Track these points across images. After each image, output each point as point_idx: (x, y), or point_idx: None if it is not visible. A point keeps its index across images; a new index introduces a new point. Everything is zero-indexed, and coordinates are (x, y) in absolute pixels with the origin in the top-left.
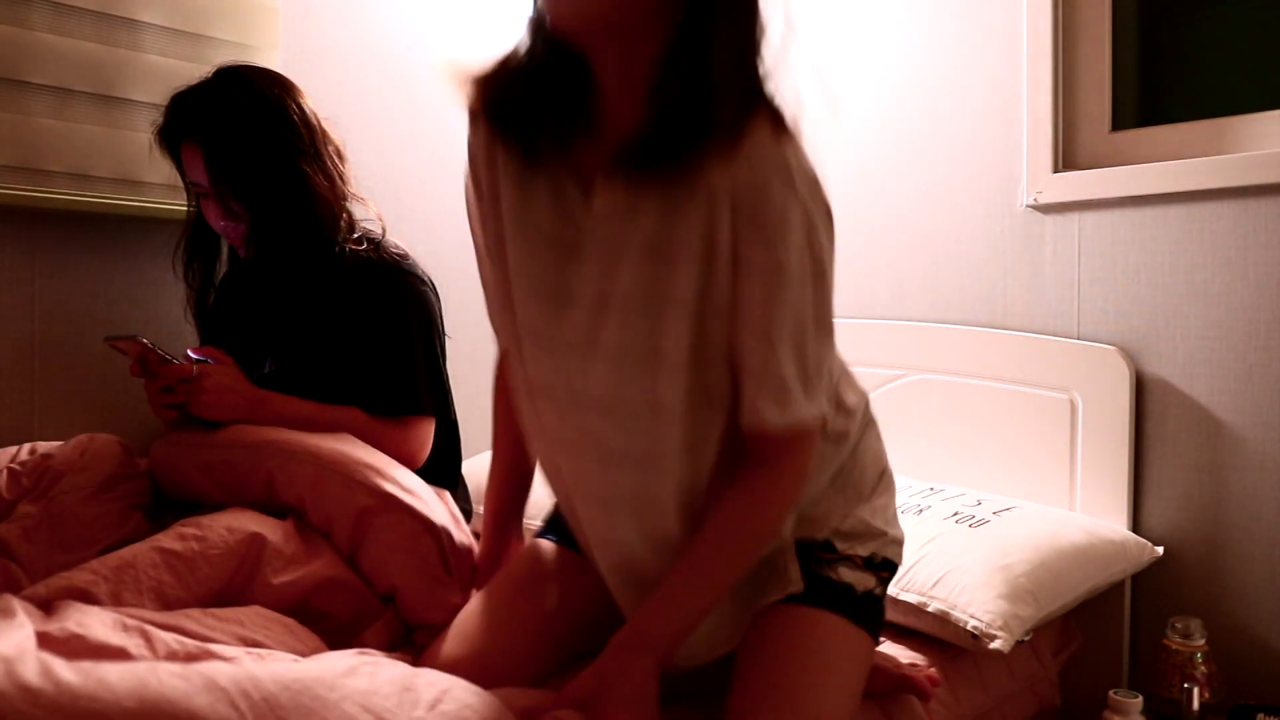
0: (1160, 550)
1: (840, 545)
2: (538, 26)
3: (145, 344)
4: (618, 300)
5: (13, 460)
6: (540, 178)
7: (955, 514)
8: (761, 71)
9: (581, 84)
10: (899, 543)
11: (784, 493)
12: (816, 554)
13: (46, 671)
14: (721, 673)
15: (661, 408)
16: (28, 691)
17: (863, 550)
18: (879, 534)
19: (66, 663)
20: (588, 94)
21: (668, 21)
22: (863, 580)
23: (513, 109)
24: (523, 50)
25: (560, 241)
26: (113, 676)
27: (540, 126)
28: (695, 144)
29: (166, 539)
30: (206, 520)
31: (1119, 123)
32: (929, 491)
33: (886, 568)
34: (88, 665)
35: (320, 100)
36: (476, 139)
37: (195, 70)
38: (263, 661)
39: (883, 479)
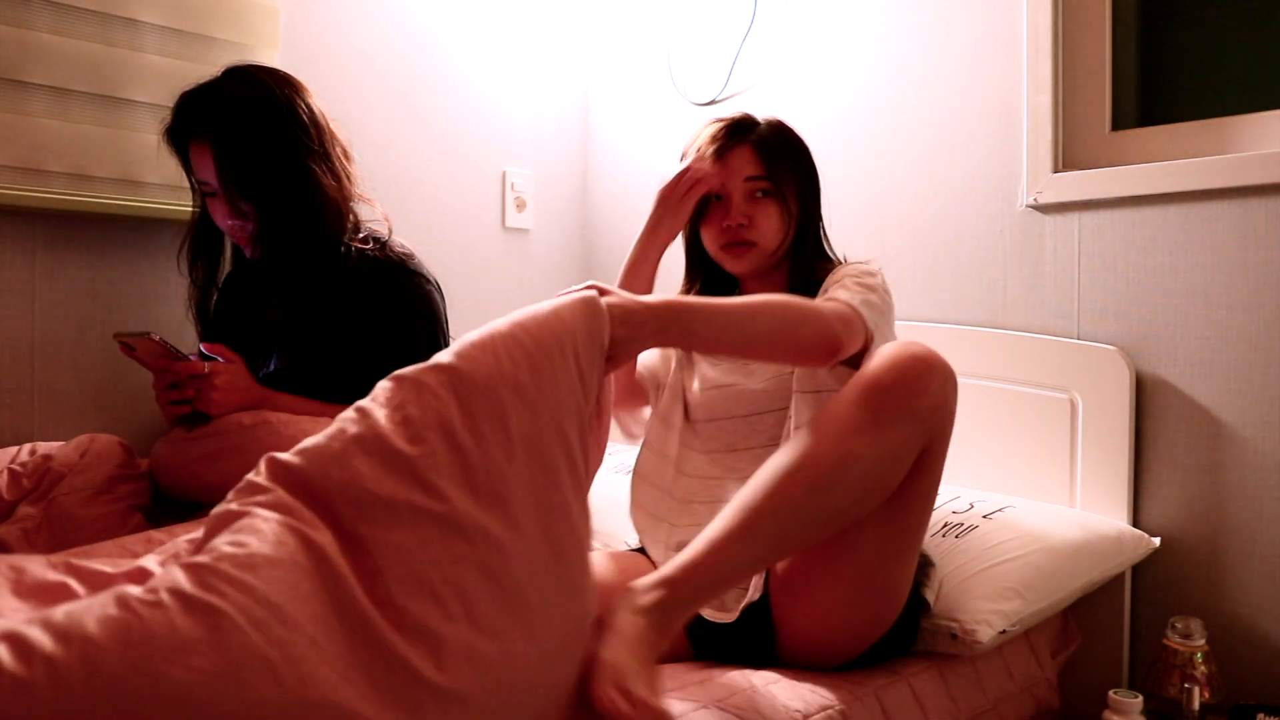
0: (1157, 541)
1: None
2: (699, 263)
3: (156, 340)
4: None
5: (13, 461)
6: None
7: (944, 526)
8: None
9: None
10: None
11: (826, 319)
12: None
13: (24, 651)
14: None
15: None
16: (15, 682)
17: None
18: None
19: (36, 626)
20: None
21: (786, 243)
22: None
23: None
24: (691, 284)
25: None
26: (90, 625)
27: None
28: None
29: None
30: (180, 529)
31: (1119, 123)
32: None
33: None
34: (59, 621)
35: (319, 100)
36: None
37: (195, 70)
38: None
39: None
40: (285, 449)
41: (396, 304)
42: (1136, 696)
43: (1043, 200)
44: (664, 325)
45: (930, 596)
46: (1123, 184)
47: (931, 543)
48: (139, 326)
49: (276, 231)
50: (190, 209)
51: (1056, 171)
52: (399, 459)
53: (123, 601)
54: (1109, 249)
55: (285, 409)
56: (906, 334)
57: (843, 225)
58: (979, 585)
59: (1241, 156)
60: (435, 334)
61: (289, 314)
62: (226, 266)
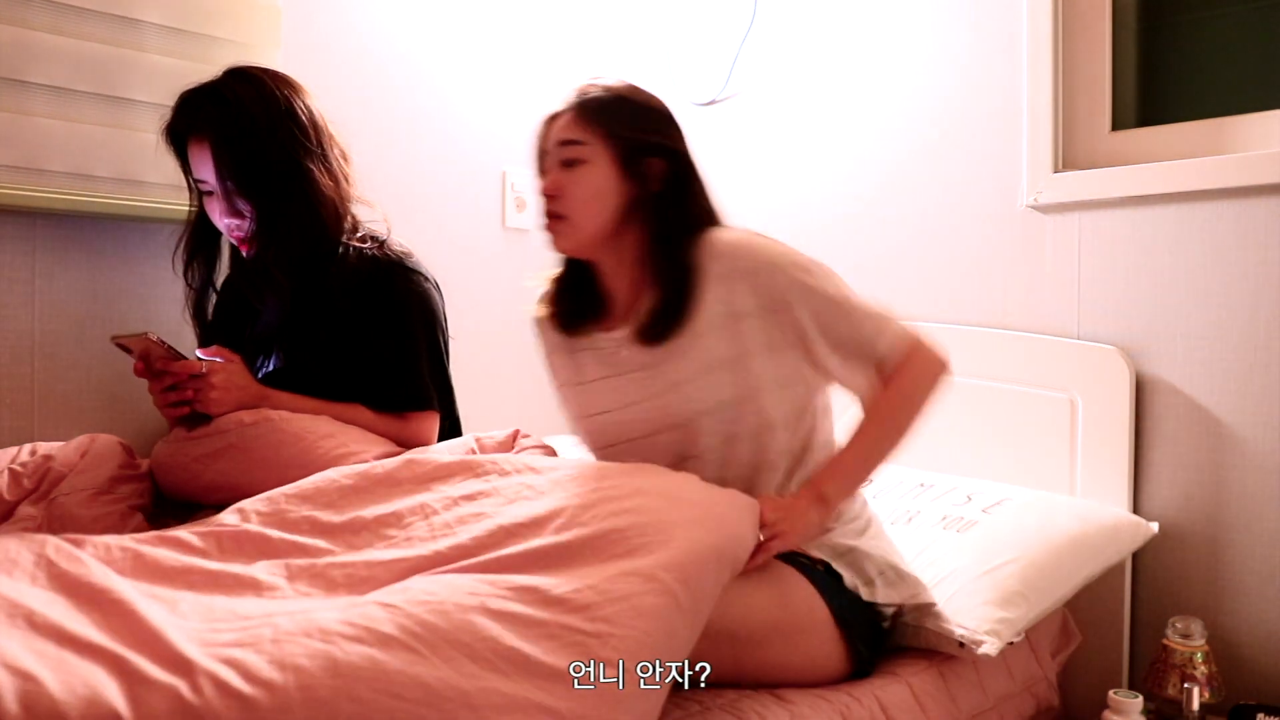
0: (1155, 526)
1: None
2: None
3: (154, 340)
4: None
5: (13, 461)
6: (585, 348)
7: (944, 518)
8: (713, 207)
9: (597, 281)
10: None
11: (926, 381)
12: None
13: (248, 673)
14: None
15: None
16: (242, 700)
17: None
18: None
19: (260, 659)
20: (602, 286)
21: (640, 230)
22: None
23: (562, 315)
24: (561, 270)
25: (613, 377)
26: (303, 659)
27: (581, 319)
28: (686, 313)
29: None
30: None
31: (1119, 123)
32: (919, 489)
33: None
34: (273, 652)
35: (320, 100)
36: (547, 340)
37: (196, 69)
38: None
39: (885, 576)
40: (287, 446)
41: (395, 302)
42: (1136, 696)
43: (1043, 200)
44: (824, 512)
45: (882, 596)
46: (1123, 184)
47: (931, 535)
48: (139, 326)
49: (273, 230)
50: (190, 208)
51: (1056, 171)
52: None
53: (325, 634)
54: (1109, 249)
55: (284, 407)
56: None
57: (842, 225)
58: (983, 590)
59: (1241, 156)
60: (434, 332)
61: (288, 313)
62: (224, 269)
